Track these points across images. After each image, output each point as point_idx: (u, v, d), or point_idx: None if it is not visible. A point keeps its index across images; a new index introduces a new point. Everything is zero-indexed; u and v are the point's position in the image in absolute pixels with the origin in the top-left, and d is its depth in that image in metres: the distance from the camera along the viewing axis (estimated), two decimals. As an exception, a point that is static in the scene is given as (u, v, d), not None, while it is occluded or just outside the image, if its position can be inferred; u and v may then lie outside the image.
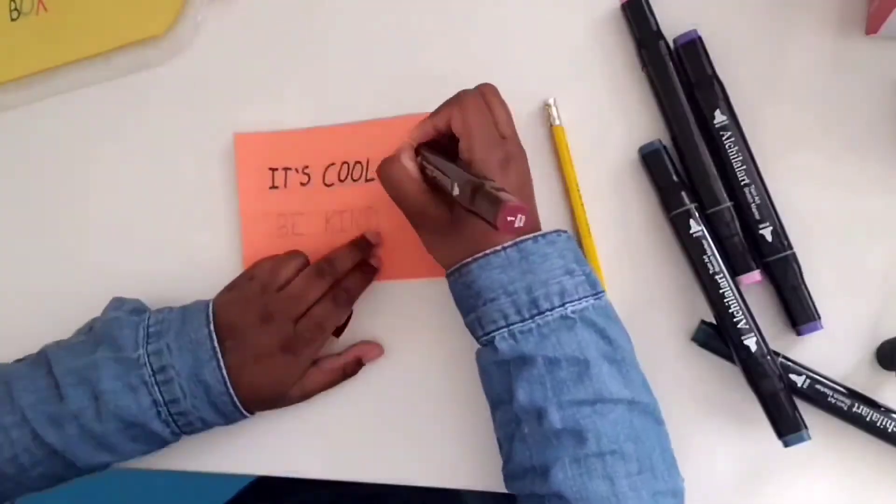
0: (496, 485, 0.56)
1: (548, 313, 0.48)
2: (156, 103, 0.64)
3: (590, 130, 0.58)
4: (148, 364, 0.54)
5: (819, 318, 0.53)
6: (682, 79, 0.55)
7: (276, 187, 0.62)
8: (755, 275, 0.53)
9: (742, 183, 0.53)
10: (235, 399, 0.55)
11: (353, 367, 0.60)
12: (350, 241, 0.59)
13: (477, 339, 0.52)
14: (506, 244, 0.50)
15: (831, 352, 0.55)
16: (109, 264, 0.65)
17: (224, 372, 0.55)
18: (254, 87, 0.63)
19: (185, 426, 0.56)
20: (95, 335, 0.56)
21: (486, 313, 0.50)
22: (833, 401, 0.53)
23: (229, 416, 0.57)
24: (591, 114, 0.58)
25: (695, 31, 0.54)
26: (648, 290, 0.57)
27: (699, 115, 0.54)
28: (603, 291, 0.51)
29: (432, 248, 0.54)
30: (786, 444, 0.52)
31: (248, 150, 0.62)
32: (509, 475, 0.51)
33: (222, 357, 0.55)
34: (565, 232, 0.51)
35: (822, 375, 0.54)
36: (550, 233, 0.51)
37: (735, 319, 0.53)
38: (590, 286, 0.50)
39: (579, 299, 0.49)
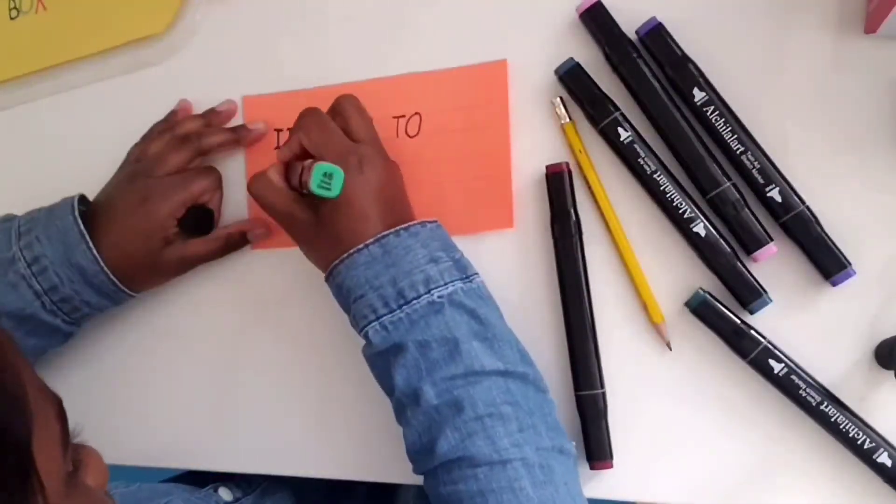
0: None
1: (414, 301, 0.50)
2: (154, 102, 0.64)
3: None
4: (22, 258, 0.56)
5: (850, 264, 0.53)
6: (652, 71, 0.55)
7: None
8: (770, 248, 0.54)
9: (738, 152, 0.54)
10: (110, 274, 0.57)
11: (236, 241, 0.62)
12: (228, 127, 0.62)
13: (359, 335, 0.53)
14: (368, 241, 0.51)
15: (829, 350, 0.55)
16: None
17: (94, 251, 0.56)
18: (252, 85, 0.63)
19: (72, 312, 0.59)
20: None
21: (358, 309, 0.51)
22: (804, 394, 0.53)
23: (113, 297, 0.60)
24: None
25: (654, 18, 0.55)
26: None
27: (679, 101, 0.55)
28: (474, 274, 0.52)
29: (308, 254, 0.56)
30: (752, 312, 0.54)
31: (255, 112, 0.62)
32: (412, 462, 0.52)
33: (93, 236, 0.57)
34: (433, 222, 0.53)
35: (802, 369, 0.54)
36: (413, 224, 0.52)
37: (680, 210, 0.54)
38: (458, 271, 0.51)
39: (445, 284, 0.50)
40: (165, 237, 0.59)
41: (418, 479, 0.57)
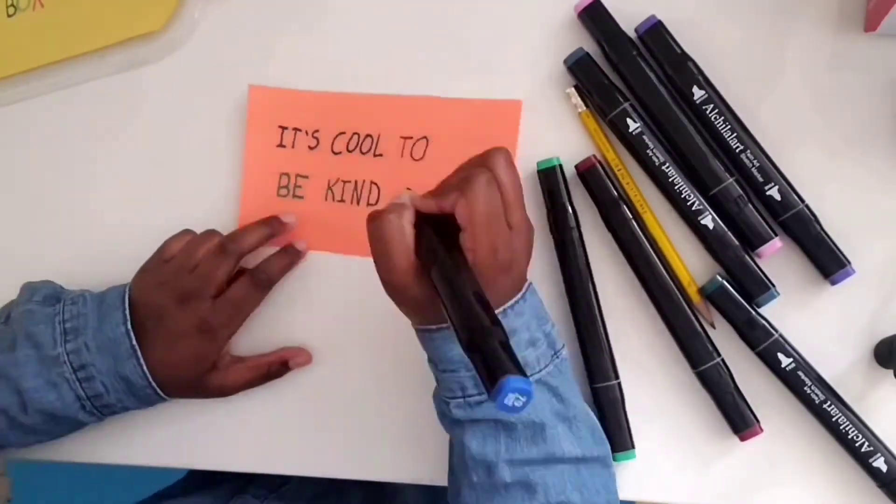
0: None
1: None
2: (153, 100, 0.64)
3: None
4: (68, 362, 0.55)
5: (849, 262, 0.53)
6: (652, 69, 0.55)
7: (284, 146, 0.62)
8: (775, 243, 0.54)
9: (737, 150, 0.54)
10: (158, 390, 0.57)
11: (277, 368, 0.60)
12: (259, 220, 0.60)
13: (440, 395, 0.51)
14: None
15: (829, 349, 0.55)
16: (109, 259, 0.64)
17: (144, 368, 0.56)
18: (251, 83, 0.63)
19: (110, 414, 0.58)
20: (13, 328, 0.57)
21: (447, 381, 0.49)
22: (808, 391, 0.53)
23: (151, 403, 0.59)
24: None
25: (653, 16, 0.55)
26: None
27: (678, 99, 0.55)
28: (561, 348, 0.50)
29: (402, 310, 0.50)
30: (759, 305, 0.54)
31: (261, 103, 0.62)
32: None
33: (140, 346, 0.56)
34: (529, 289, 0.50)
35: (809, 365, 0.54)
36: (517, 302, 0.48)
37: (688, 203, 0.54)
38: (549, 348, 0.49)
39: (540, 370, 0.49)
40: (214, 362, 0.58)
41: (418, 479, 0.57)
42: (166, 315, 0.56)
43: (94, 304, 0.57)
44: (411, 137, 0.60)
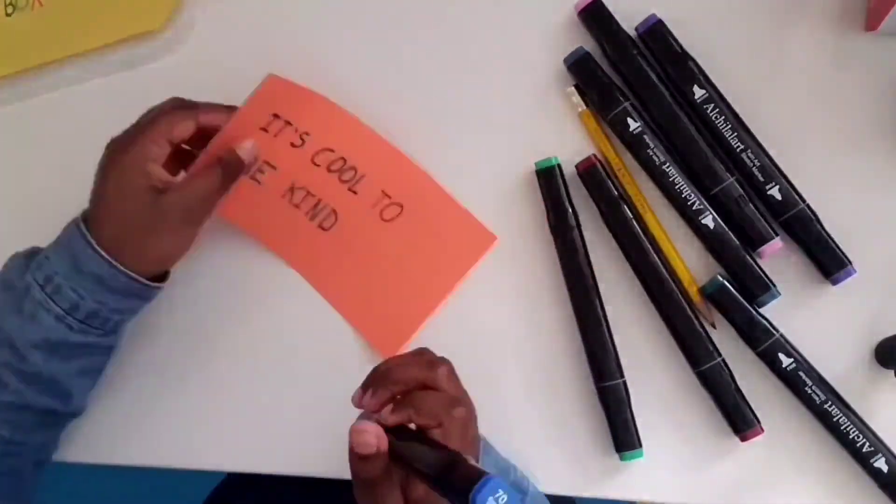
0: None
1: None
2: (152, 99, 0.63)
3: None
4: (34, 282, 0.52)
5: (850, 262, 0.53)
6: (653, 68, 0.55)
7: (266, 131, 0.59)
8: (776, 243, 0.53)
9: (738, 149, 0.54)
10: (124, 269, 0.52)
11: (232, 158, 0.55)
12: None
13: None
14: None
15: (829, 349, 0.55)
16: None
17: (98, 249, 0.51)
18: (250, 82, 0.62)
19: (104, 324, 0.54)
20: None
21: None
22: (809, 391, 0.53)
23: (141, 294, 0.55)
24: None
25: (653, 15, 0.55)
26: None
27: (678, 98, 0.55)
28: (528, 486, 0.50)
29: None
30: (760, 305, 0.54)
31: (271, 92, 0.59)
32: None
33: (94, 237, 0.52)
34: (484, 448, 0.50)
35: (810, 365, 0.54)
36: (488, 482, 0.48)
37: (689, 202, 0.54)
38: (519, 493, 0.49)
39: None
40: (152, 186, 0.52)
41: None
42: (98, 185, 0.53)
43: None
44: (390, 197, 0.59)
